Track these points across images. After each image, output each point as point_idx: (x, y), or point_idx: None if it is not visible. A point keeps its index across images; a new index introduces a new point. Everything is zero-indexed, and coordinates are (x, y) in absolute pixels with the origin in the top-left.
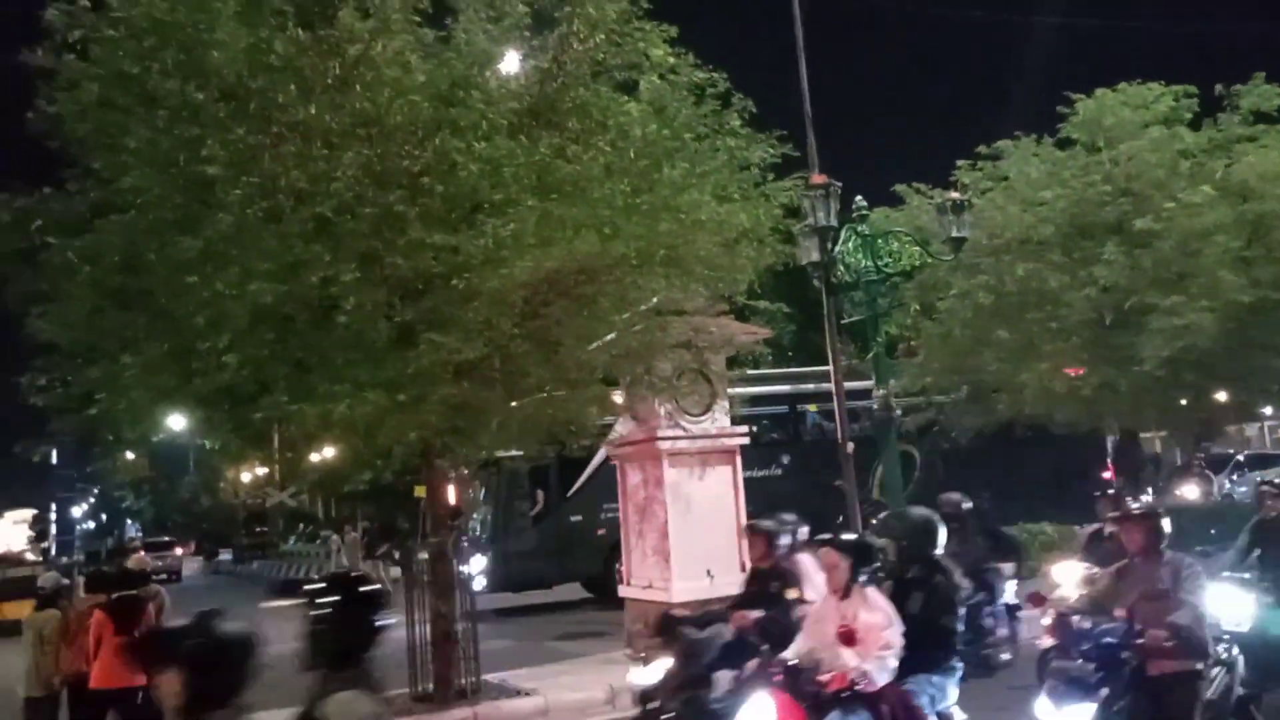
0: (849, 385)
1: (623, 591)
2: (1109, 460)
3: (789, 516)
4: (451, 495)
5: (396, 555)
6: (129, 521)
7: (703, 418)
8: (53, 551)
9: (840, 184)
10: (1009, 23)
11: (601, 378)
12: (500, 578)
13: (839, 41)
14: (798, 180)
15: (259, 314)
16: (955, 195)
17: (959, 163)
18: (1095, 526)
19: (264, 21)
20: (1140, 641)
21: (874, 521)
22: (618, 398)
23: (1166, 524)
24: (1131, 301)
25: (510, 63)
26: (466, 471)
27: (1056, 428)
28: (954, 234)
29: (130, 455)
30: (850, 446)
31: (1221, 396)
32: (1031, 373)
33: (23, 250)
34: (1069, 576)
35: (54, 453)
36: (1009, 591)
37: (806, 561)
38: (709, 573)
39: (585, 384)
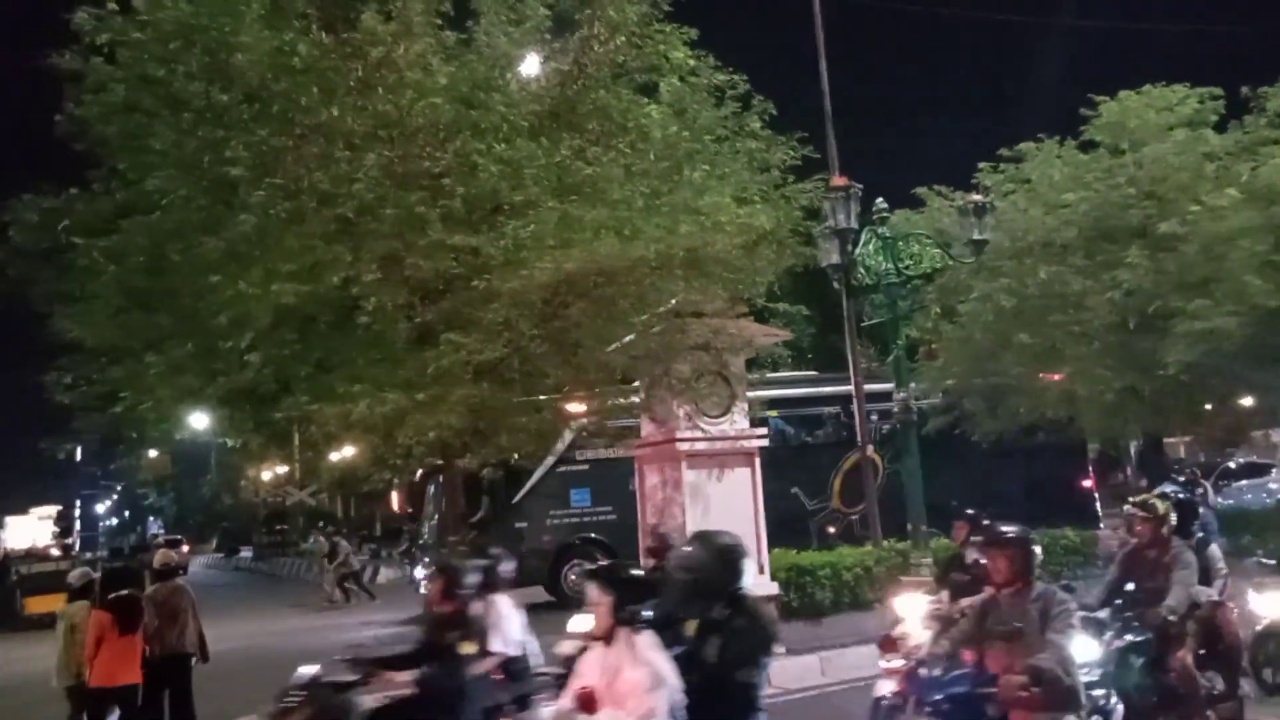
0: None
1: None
2: (1090, 469)
3: (494, 550)
4: (395, 502)
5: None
6: (151, 518)
7: (721, 419)
8: (77, 547)
9: (861, 186)
10: (1031, 24)
11: (620, 379)
12: None
13: (860, 43)
14: (818, 182)
15: (281, 314)
16: (977, 198)
17: (980, 165)
18: (951, 552)
19: (288, 25)
20: (992, 690)
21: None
22: (636, 399)
23: (1038, 550)
24: (1155, 306)
25: (531, 65)
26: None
27: (1041, 434)
28: (975, 237)
29: (153, 453)
30: (870, 449)
31: (1247, 401)
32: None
33: (49, 250)
34: (913, 610)
35: (79, 450)
36: None
37: (502, 605)
38: None
39: (604, 385)
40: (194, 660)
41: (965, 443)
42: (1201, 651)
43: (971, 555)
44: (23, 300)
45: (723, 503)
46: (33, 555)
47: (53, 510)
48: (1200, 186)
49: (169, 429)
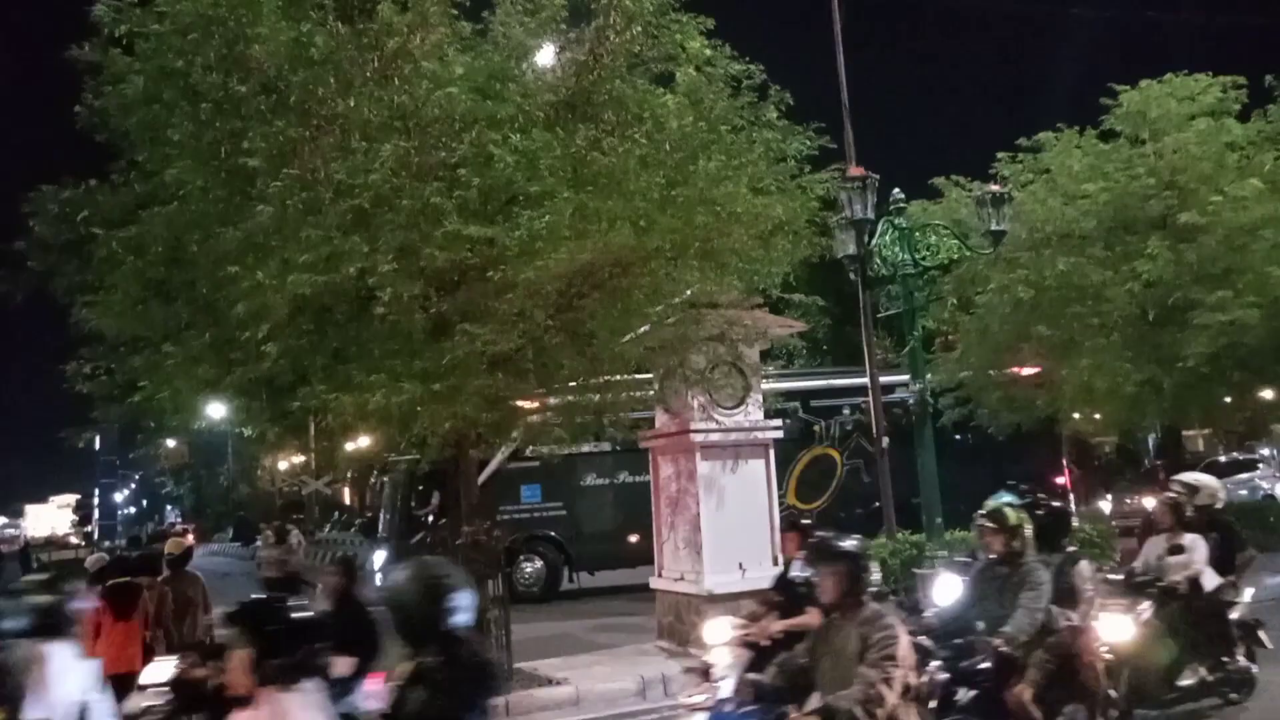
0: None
1: (654, 583)
2: (1064, 464)
3: (67, 585)
4: (347, 496)
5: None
6: (169, 507)
7: (736, 410)
8: (95, 535)
9: (877, 176)
10: (1051, 13)
11: (635, 369)
12: None
13: (878, 32)
14: (834, 172)
15: (298, 305)
16: (995, 188)
17: (999, 155)
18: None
19: (305, 16)
20: None
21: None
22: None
23: (874, 566)
24: (1175, 297)
25: (546, 55)
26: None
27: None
28: (993, 227)
29: (171, 442)
30: (885, 442)
31: (1268, 394)
32: (1072, 369)
33: (70, 242)
34: (719, 635)
35: (98, 440)
36: None
37: (59, 656)
38: (741, 566)
39: (618, 375)
40: None
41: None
42: (1056, 684)
43: (796, 571)
44: (45, 291)
45: (737, 494)
46: (53, 543)
47: (72, 499)
48: (1222, 177)
49: (187, 418)
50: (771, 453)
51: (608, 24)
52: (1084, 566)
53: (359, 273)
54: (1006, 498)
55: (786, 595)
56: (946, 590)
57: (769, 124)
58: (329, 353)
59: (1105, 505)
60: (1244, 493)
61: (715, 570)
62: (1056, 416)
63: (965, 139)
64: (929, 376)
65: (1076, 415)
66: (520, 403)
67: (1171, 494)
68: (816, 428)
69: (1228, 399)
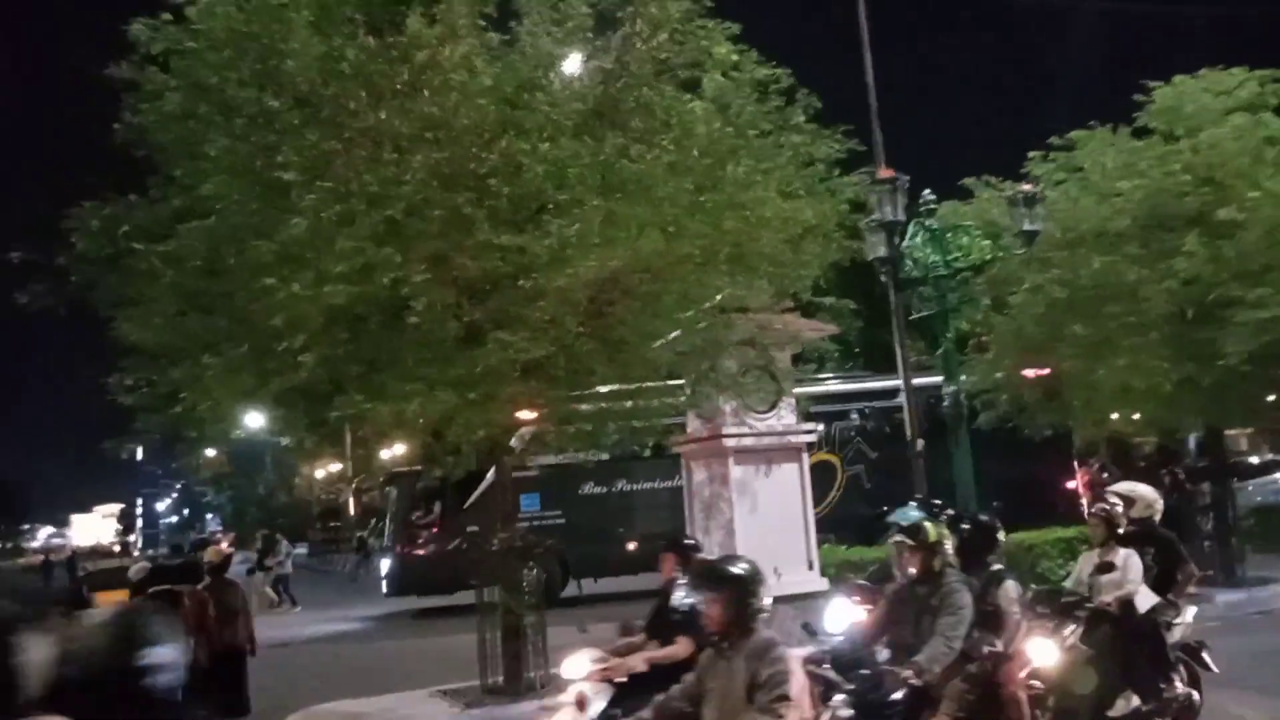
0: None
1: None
2: (1076, 467)
3: None
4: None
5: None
6: (210, 516)
7: (769, 415)
8: (139, 544)
9: (907, 177)
10: (1082, 9)
11: (666, 375)
12: (401, 582)
13: (905, 32)
14: (864, 174)
15: (333, 315)
16: (1027, 187)
17: (1030, 154)
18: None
19: (336, 30)
20: None
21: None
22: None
23: (764, 594)
24: (1214, 295)
25: (574, 64)
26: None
27: (1025, 430)
28: (1026, 227)
29: (211, 452)
30: (920, 444)
31: None
32: (1109, 369)
33: (111, 256)
34: (577, 670)
35: (139, 450)
36: None
37: None
38: (776, 570)
39: (650, 382)
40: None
41: (929, 444)
42: (977, 717)
43: (679, 596)
44: (86, 305)
45: (771, 499)
46: (98, 552)
47: (115, 509)
48: (1260, 171)
49: (226, 428)
50: (805, 456)
51: (634, 31)
52: (1010, 587)
53: (392, 282)
54: (916, 512)
55: (661, 622)
56: (840, 616)
57: (797, 128)
58: (364, 362)
59: None
60: (1258, 498)
61: None
62: (1068, 418)
63: (996, 138)
64: (963, 378)
65: (1115, 416)
66: (523, 414)
67: (1104, 505)
68: (816, 434)
69: (1270, 397)
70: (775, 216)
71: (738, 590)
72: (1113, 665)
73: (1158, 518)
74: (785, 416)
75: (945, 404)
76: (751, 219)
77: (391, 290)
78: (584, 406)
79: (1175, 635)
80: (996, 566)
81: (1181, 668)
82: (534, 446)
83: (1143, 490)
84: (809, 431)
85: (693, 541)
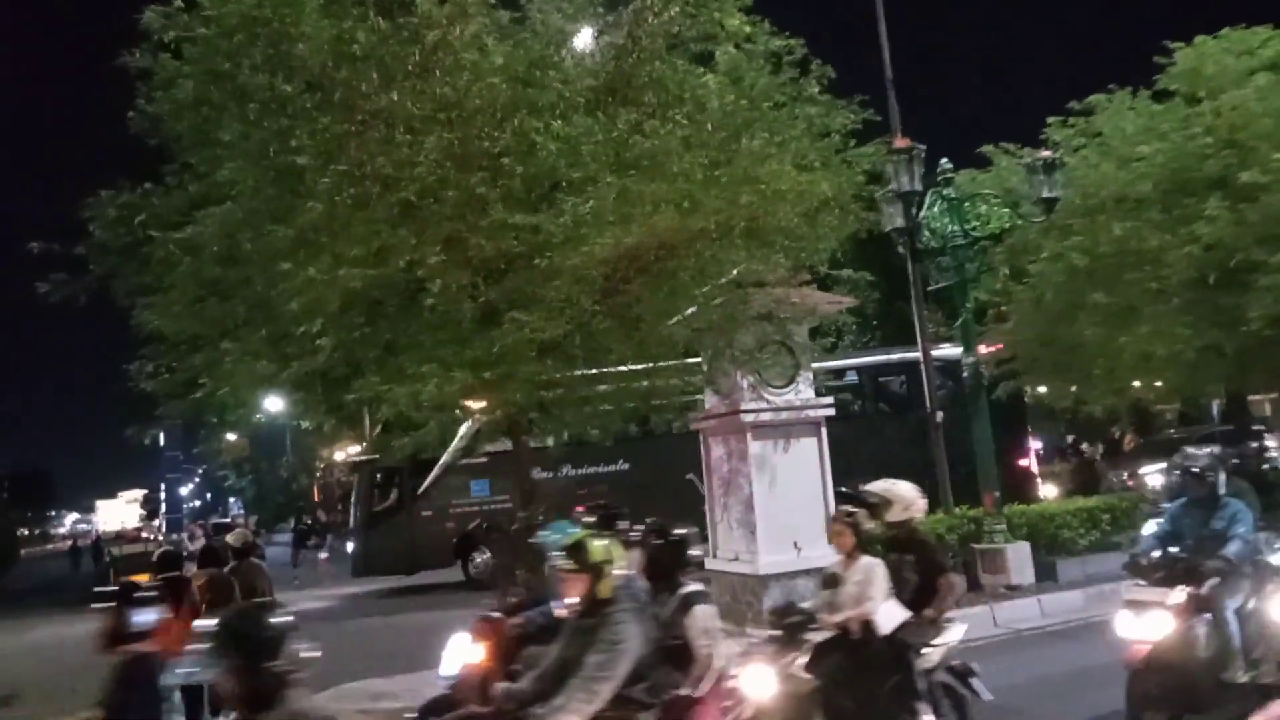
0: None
1: (710, 564)
2: (1029, 445)
3: None
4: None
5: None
6: (232, 500)
7: (786, 389)
8: (163, 528)
9: (924, 147)
10: None
11: (683, 352)
12: (363, 564)
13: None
14: (880, 145)
15: (350, 298)
16: (1046, 154)
17: (1049, 120)
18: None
19: (346, 13)
20: None
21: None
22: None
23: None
24: (1237, 259)
25: (585, 40)
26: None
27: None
28: (1045, 194)
29: (232, 437)
30: (939, 415)
31: None
32: (1131, 337)
33: (129, 244)
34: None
35: (162, 436)
36: None
37: None
38: (796, 545)
39: (667, 359)
40: None
41: (881, 415)
42: None
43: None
44: (106, 294)
45: (790, 473)
46: (123, 537)
47: (139, 494)
48: None
49: (247, 413)
50: (824, 431)
51: (645, 5)
52: (701, 614)
53: (408, 264)
54: (576, 528)
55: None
56: (455, 655)
57: (811, 99)
58: (381, 344)
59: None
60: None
61: (769, 550)
62: (1021, 389)
63: (1014, 105)
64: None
65: (1136, 384)
66: (472, 402)
67: (848, 509)
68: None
69: None
70: (791, 189)
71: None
72: (844, 699)
73: (917, 518)
74: (803, 391)
75: (965, 375)
76: (767, 192)
77: (407, 272)
78: (602, 387)
79: (934, 659)
80: (690, 588)
81: (942, 698)
82: (552, 425)
83: (901, 489)
84: (827, 405)
85: (612, 511)
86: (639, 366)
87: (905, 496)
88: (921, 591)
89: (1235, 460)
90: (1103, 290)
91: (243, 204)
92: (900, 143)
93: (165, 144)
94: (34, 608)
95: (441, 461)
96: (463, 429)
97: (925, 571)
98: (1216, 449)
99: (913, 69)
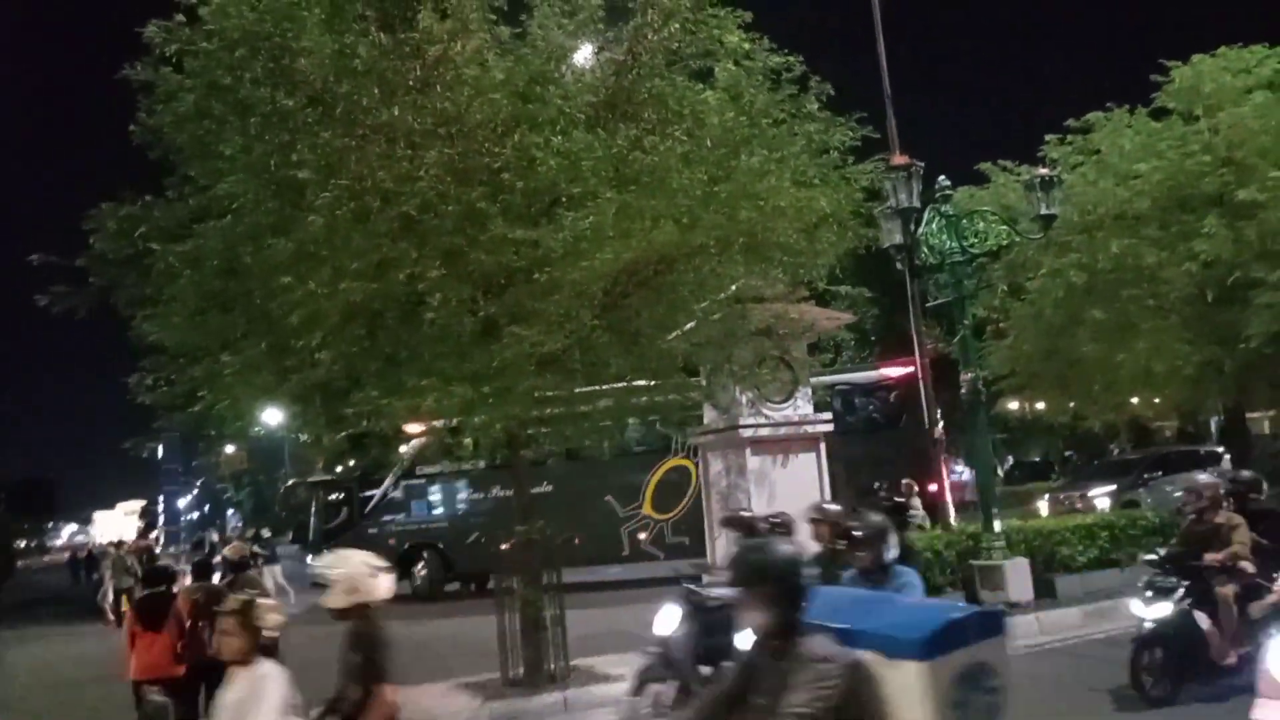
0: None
1: (707, 579)
2: (940, 470)
3: None
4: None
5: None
6: (230, 512)
7: (785, 405)
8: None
9: (922, 164)
10: None
11: (682, 367)
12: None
13: (919, 17)
14: (878, 162)
15: (350, 312)
16: (1044, 171)
17: (1047, 137)
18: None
19: (347, 28)
20: None
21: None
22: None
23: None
24: (1235, 276)
25: (585, 56)
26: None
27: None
28: (1043, 211)
29: (230, 449)
30: (939, 431)
31: None
32: (1129, 352)
33: (129, 256)
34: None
35: (160, 448)
36: None
37: None
38: None
39: (666, 374)
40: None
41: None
42: None
43: None
44: (107, 305)
45: (788, 488)
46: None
47: (137, 505)
48: None
49: (246, 425)
50: (823, 446)
51: (645, 22)
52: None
53: (408, 278)
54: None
55: None
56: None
57: (810, 116)
58: (381, 358)
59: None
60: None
61: None
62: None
63: (1012, 122)
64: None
65: (1134, 400)
66: (412, 427)
67: (228, 600)
68: (674, 438)
69: None
70: (790, 205)
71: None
72: None
73: (377, 601)
74: (802, 406)
75: (963, 391)
76: (766, 208)
77: (407, 286)
78: (603, 403)
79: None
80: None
81: None
82: (550, 440)
83: (349, 563)
84: (826, 421)
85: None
86: (639, 383)
87: (351, 575)
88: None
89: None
90: (1101, 306)
91: (243, 217)
92: (898, 159)
93: (166, 156)
94: (34, 621)
95: (385, 483)
96: (404, 449)
97: (365, 677)
98: None
99: (911, 86)
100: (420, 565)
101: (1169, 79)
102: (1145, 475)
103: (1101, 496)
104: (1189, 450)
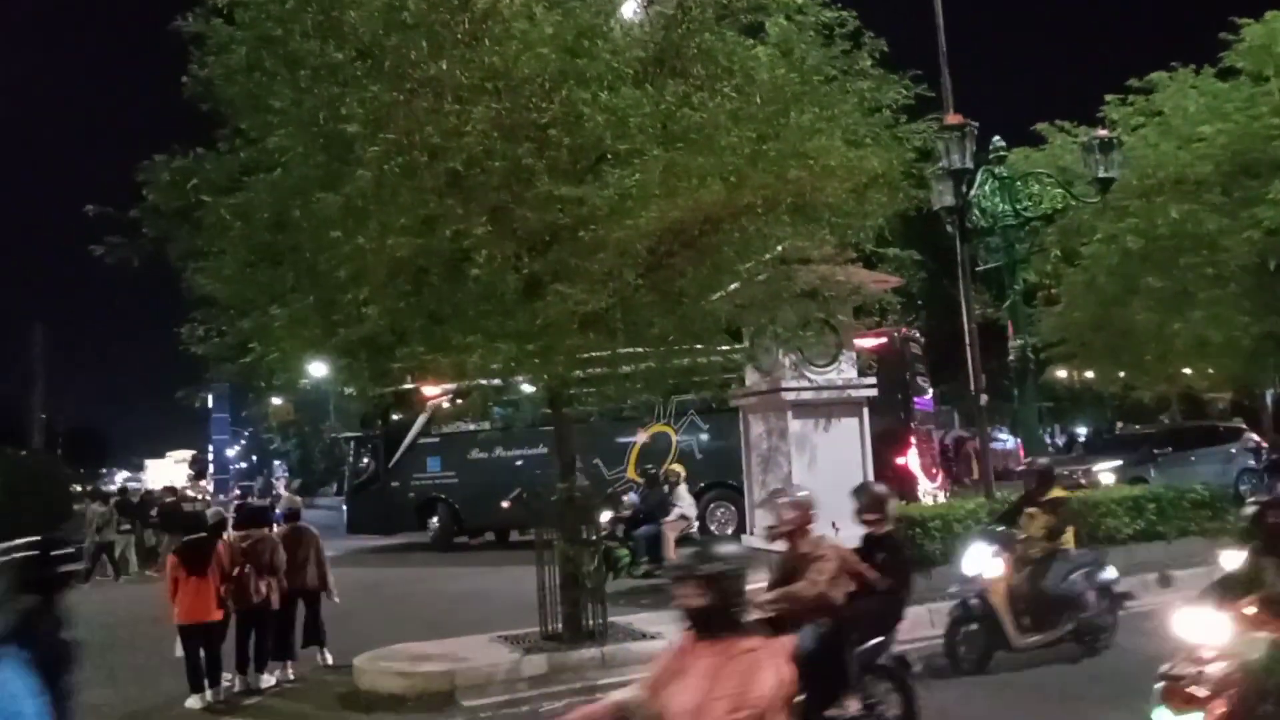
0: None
1: (746, 541)
2: (908, 445)
3: None
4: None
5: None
6: (277, 463)
7: (828, 368)
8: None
9: (976, 124)
10: None
11: (726, 328)
12: (352, 524)
13: None
14: (931, 121)
15: (396, 267)
16: (1103, 133)
17: (1107, 97)
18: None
19: None
20: None
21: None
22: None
23: None
24: None
25: (634, 10)
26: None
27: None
28: (1101, 174)
29: (277, 400)
30: (984, 398)
31: None
32: (1185, 322)
33: (181, 209)
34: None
35: (210, 398)
36: None
37: None
38: (834, 525)
39: (708, 335)
40: (321, 593)
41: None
42: None
43: None
44: (160, 257)
45: (829, 453)
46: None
47: (187, 454)
48: None
49: (293, 378)
50: (866, 411)
51: None
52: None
53: (454, 234)
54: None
55: None
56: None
57: (863, 73)
58: (426, 314)
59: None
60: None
61: None
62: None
63: (1071, 82)
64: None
65: (1188, 371)
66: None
67: None
68: (656, 405)
69: None
70: (840, 165)
71: None
72: None
73: None
74: (846, 370)
75: (1011, 358)
76: (815, 168)
77: (453, 242)
78: (644, 364)
79: None
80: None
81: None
82: (594, 399)
83: None
84: (870, 385)
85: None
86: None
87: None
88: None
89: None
90: (1157, 274)
91: (292, 171)
92: (952, 119)
93: (217, 109)
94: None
95: (406, 439)
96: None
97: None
98: None
99: (967, 43)
100: (434, 518)
101: (1239, 37)
102: (1155, 451)
103: (1105, 472)
104: (1207, 426)
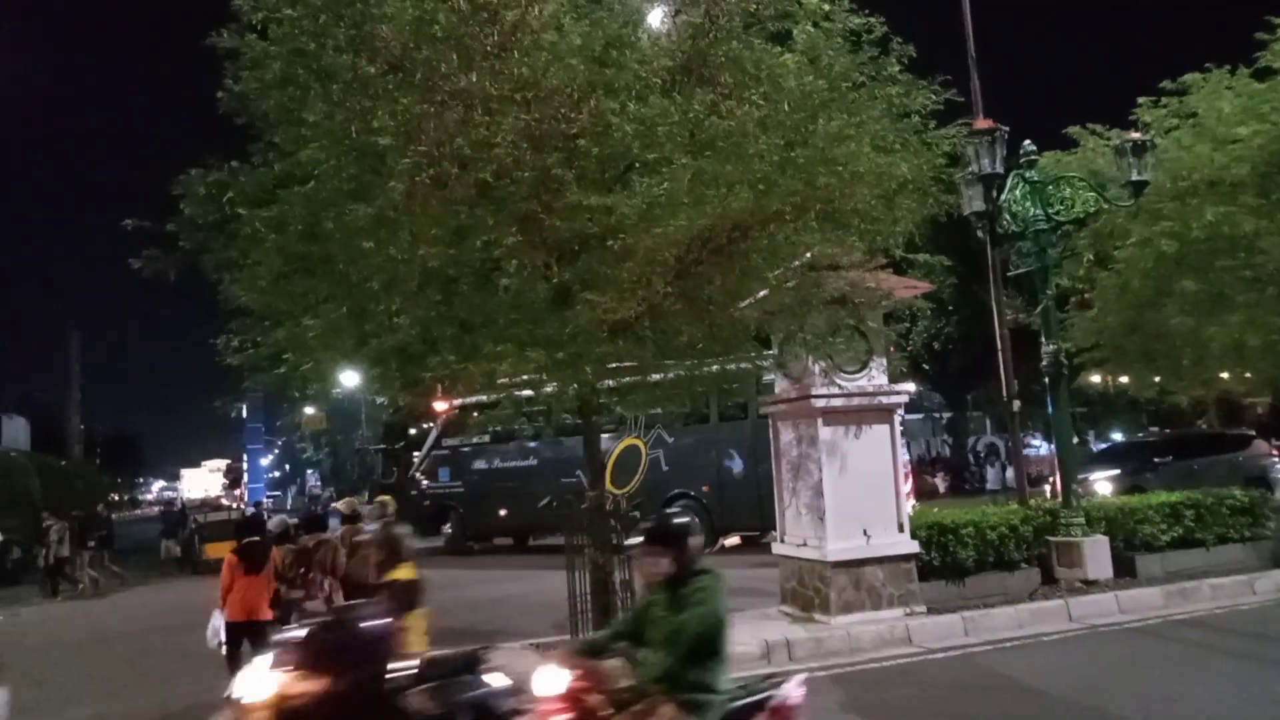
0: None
1: (776, 549)
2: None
3: None
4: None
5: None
6: (310, 471)
7: (859, 375)
8: (245, 498)
9: (1007, 128)
10: None
11: (754, 335)
12: None
13: None
14: (961, 126)
15: (427, 277)
16: (1136, 135)
17: (1140, 99)
18: None
19: None
20: None
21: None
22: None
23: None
24: None
25: (662, 19)
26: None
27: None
28: (1134, 177)
29: (310, 410)
30: (1017, 404)
31: None
32: (1221, 326)
33: (217, 221)
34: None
35: (244, 408)
36: None
37: None
38: (865, 532)
39: (737, 343)
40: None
41: (727, 427)
42: None
43: None
44: (195, 269)
45: (860, 460)
46: (207, 505)
47: (222, 463)
48: None
49: (326, 387)
50: (896, 418)
51: None
52: None
53: (484, 244)
54: None
55: None
56: None
57: (891, 79)
58: (457, 323)
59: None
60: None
61: (838, 537)
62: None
63: (1102, 84)
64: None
65: (1224, 375)
66: (438, 404)
67: None
68: (628, 420)
69: None
70: (869, 171)
71: None
72: None
73: None
74: (876, 377)
75: (1044, 363)
76: (844, 174)
77: (483, 252)
78: (673, 373)
79: None
80: None
81: None
82: (624, 406)
83: None
84: (901, 392)
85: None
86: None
87: None
88: None
89: None
90: (1193, 277)
91: (325, 183)
92: (982, 124)
93: (252, 123)
94: (132, 569)
95: (423, 450)
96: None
97: None
98: None
99: (997, 47)
100: (447, 525)
101: (1274, 37)
102: (1155, 459)
103: (1102, 481)
104: (1214, 433)
